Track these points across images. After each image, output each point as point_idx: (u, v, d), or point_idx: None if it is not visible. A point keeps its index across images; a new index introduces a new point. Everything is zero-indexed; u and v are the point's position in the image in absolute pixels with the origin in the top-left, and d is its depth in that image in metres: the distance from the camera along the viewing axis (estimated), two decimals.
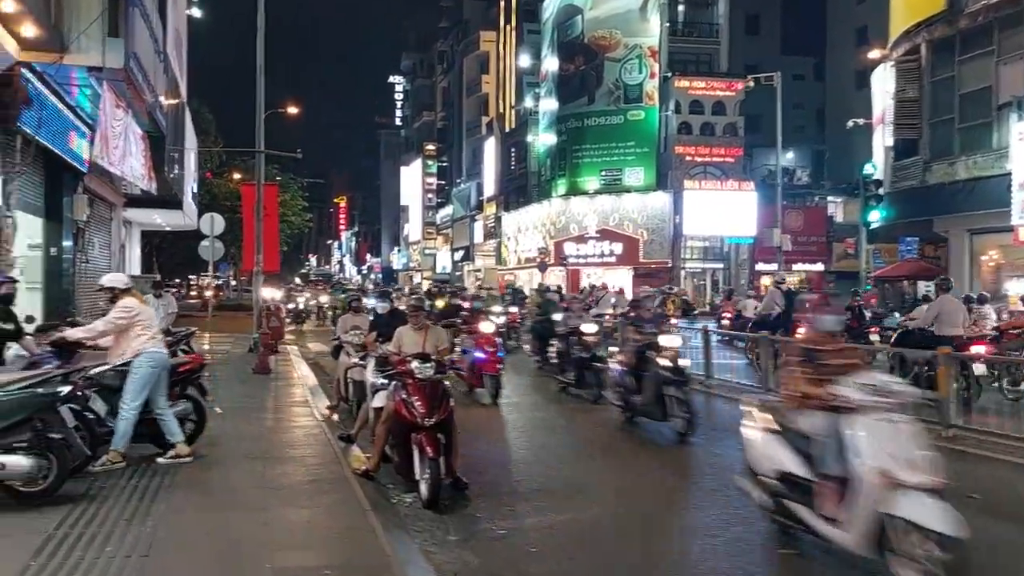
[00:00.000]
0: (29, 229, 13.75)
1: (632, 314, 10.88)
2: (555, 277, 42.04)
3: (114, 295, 7.33)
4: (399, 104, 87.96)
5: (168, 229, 25.92)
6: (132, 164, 12.96)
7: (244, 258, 20.76)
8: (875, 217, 24.08)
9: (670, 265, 39.81)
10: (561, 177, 43.80)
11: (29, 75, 9.86)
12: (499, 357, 11.67)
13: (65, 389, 6.27)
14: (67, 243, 13.68)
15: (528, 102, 48.89)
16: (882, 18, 25.18)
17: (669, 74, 41.12)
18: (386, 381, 8.26)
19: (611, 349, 11.56)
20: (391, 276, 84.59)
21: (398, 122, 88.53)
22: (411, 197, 76.83)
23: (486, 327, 12.02)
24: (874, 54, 26.95)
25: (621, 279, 37.55)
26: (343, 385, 11.11)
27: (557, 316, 14.23)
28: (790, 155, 46.44)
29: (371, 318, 9.99)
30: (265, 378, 14.47)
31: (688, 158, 40.72)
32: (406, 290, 28.65)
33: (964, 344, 10.75)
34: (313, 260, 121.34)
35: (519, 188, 50.71)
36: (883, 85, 23.93)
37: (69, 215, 13.73)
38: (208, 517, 5.96)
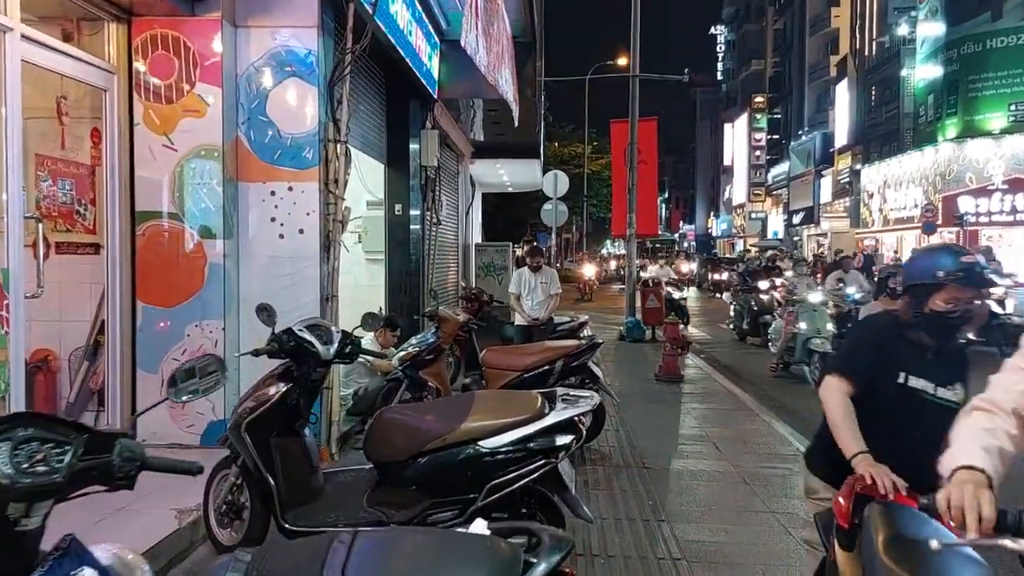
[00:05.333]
0: (368, 177, 10.27)
1: None
2: (940, 241, 33.99)
3: None
4: (720, 56, 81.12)
5: (510, 189, 22.46)
6: (506, 76, 8.83)
7: (613, 219, 16.51)
8: None
9: None
10: (951, 116, 35.33)
11: None
12: None
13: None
14: (413, 207, 9.99)
15: (901, 29, 40.36)
16: None
17: None
18: None
19: None
20: (709, 244, 78.99)
21: (719, 76, 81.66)
22: (735, 156, 70.10)
23: None
24: None
25: None
26: None
27: None
28: None
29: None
30: (676, 389, 9.89)
31: None
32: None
33: None
34: None
35: (885, 135, 42.42)
36: None
37: (416, 160, 10.03)
38: None
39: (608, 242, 72.69)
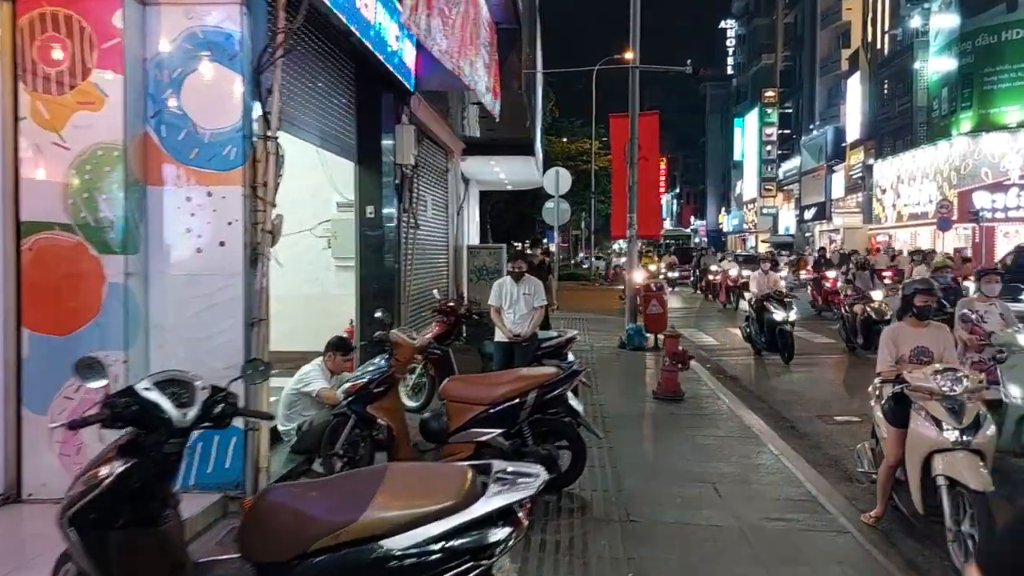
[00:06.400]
0: (338, 177, 9.38)
1: None
2: (956, 238, 33.02)
3: None
4: (730, 50, 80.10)
5: (509, 187, 21.49)
6: (475, 64, 7.95)
7: (612, 219, 15.56)
8: None
9: None
10: (965, 109, 34.37)
11: None
12: None
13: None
14: (388, 208, 9.11)
15: (914, 21, 39.36)
16: None
17: None
18: None
19: None
20: (720, 239, 78.10)
21: (729, 71, 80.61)
22: (745, 151, 69.21)
23: None
24: None
25: None
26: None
27: None
28: None
29: None
30: (677, 409, 8.96)
31: None
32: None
33: None
34: None
35: (897, 129, 41.38)
36: None
37: (391, 157, 9.13)
38: None
39: (620, 239, 71.79)
